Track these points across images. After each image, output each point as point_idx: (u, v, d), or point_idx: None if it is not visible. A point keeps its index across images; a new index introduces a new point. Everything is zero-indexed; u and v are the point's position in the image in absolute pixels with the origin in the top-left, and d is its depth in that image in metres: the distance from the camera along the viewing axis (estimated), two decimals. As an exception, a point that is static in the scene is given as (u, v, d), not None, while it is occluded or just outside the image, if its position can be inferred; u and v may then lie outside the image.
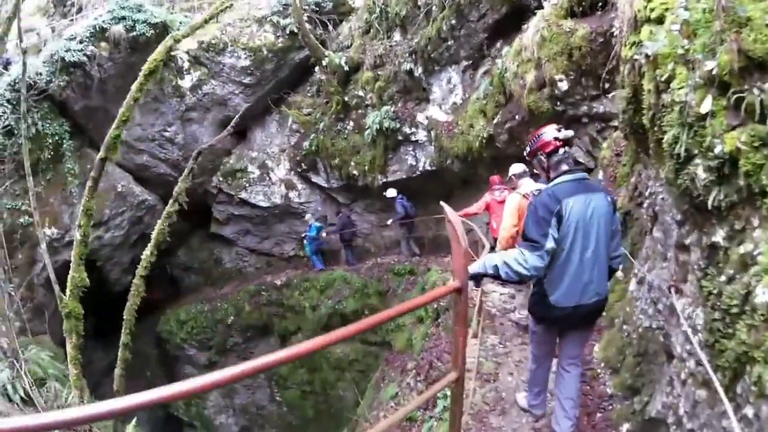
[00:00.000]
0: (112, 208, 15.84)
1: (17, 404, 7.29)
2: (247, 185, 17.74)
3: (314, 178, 17.21)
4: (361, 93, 15.11)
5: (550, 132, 3.93)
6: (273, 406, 17.78)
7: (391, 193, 15.04)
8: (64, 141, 14.82)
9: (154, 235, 6.14)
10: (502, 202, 9.02)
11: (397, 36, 13.73)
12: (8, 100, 13.74)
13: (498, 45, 11.44)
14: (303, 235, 17.55)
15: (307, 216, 17.60)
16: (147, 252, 6.08)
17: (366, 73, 14.64)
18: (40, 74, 14.14)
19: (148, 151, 16.62)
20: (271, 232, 18.39)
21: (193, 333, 17.98)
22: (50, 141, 14.42)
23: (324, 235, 17.62)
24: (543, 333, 4.19)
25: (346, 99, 15.30)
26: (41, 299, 14.68)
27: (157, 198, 17.48)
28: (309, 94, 16.76)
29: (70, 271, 5.62)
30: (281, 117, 17.20)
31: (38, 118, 14.09)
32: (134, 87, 5.89)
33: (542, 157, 3.95)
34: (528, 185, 6.45)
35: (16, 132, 13.63)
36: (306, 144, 16.45)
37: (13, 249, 13.63)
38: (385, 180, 15.30)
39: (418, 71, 13.43)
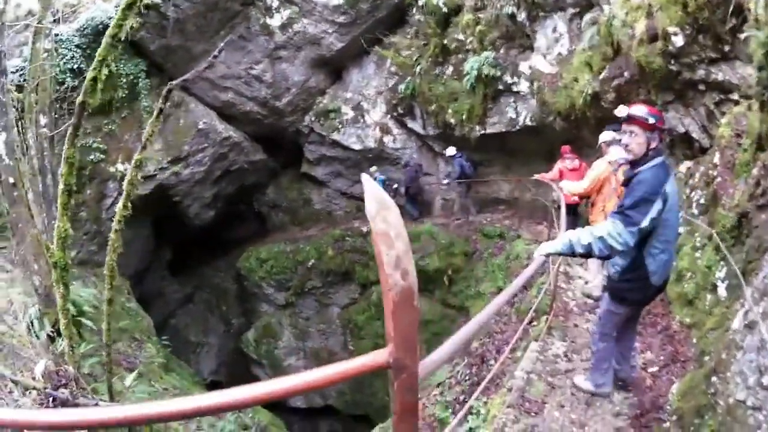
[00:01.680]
0: (192, 145, 16.16)
1: (41, 342, 7.51)
2: (340, 126, 17.61)
3: (410, 124, 16.76)
4: (461, 36, 14.24)
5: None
6: (345, 354, 17.96)
7: (450, 151, 15.28)
8: (140, 80, 15.22)
9: (125, 185, 5.74)
10: (573, 170, 10.13)
11: (499, -24, 12.52)
12: (77, 45, 14.10)
13: (607, -10, 10.01)
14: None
15: (372, 168, 17.54)
16: (120, 205, 5.74)
17: (466, 15, 13.78)
18: (111, 18, 14.21)
19: (233, 88, 16.72)
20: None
21: (272, 272, 18.39)
22: (125, 81, 14.81)
23: (394, 186, 17.49)
24: (625, 313, 4.37)
25: (445, 42, 14.55)
26: (108, 233, 15.14)
27: (243, 135, 17.80)
28: (408, 36, 16.07)
29: (57, 221, 5.37)
30: (379, 58, 16.76)
31: (111, 60, 14.17)
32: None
33: (656, 135, 3.88)
34: (615, 153, 6.60)
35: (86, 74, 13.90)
36: (402, 87, 15.94)
37: (81, 185, 14.25)
38: (483, 132, 14.57)
39: (521, 16, 12.39)
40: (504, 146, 14.55)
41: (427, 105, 15.48)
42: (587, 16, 10.75)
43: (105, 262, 13.60)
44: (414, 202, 17.34)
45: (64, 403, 5.73)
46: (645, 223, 3.64)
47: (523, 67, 13.15)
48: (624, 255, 3.96)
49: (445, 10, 13.98)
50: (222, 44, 9.31)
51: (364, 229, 17.60)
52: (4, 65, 8.20)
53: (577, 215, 9.88)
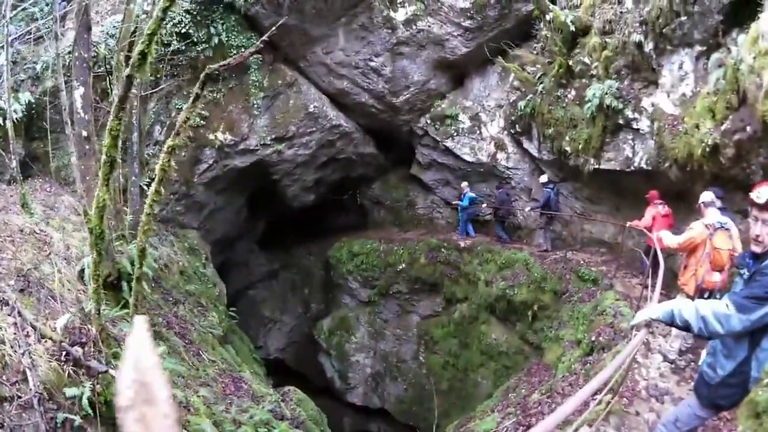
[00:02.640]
0: (299, 126, 16.47)
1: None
2: (455, 134, 17.33)
3: (526, 144, 16.06)
4: (586, 60, 13.32)
5: None
6: (414, 363, 17.81)
7: (543, 178, 15.25)
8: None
9: (157, 170, 5.74)
10: (665, 215, 10.64)
11: (629, 2, 11.40)
12: (187, 11, 14.66)
13: (734, 33, 8.81)
14: (454, 203, 17.93)
15: (463, 184, 17.37)
16: (152, 189, 5.76)
17: (593, 38, 12.79)
18: None
19: (349, 77, 16.83)
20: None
21: (360, 268, 18.60)
22: (234, 52, 15.12)
23: (483, 206, 17.80)
24: (705, 416, 4.13)
25: (570, 63, 13.61)
26: (199, 197, 16.24)
27: (355, 126, 18.01)
28: (534, 51, 15.38)
29: (97, 191, 5.50)
30: (503, 70, 16.17)
31: (222, 29, 14.91)
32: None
33: None
34: (713, 216, 6.82)
35: (195, 39, 14.70)
36: (522, 104, 15.23)
37: (179, 147, 14.76)
38: (597, 167, 13.56)
39: (648, 46, 11.36)
40: (615, 186, 13.46)
41: (545, 127, 14.69)
42: (714, 56, 9.52)
43: (190, 225, 14.19)
44: (502, 225, 17.14)
45: (76, 362, 5.78)
46: (756, 315, 3.28)
47: (646, 103, 12.07)
48: (731, 356, 3.65)
49: (572, 28, 13.08)
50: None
51: (462, 244, 17.21)
52: (88, 21, 8.67)
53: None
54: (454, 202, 18.13)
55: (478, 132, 17.02)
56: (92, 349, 6.02)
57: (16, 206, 10.23)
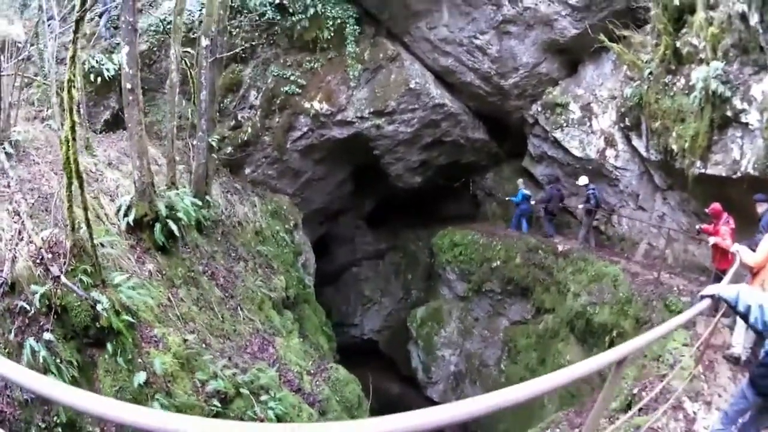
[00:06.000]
0: (399, 102, 15.31)
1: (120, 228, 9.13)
2: (565, 125, 15.04)
3: (635, 141, 13.28)
4: (694, 41, 10.36)
5: None
6: (495, 370, 16.17)
7: (582, 180, 14.47)
8: (348, 25, 14.75)
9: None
10: (733, 230, 9.32)
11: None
12: None
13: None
14: (507, 198, 17.23)
15: (519, 180, 16.86)
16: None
17: (700, 13, 9.74)
18: None
19: (454, 55, 15.31)
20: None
21: (459, 259, 17.16)
22: (332, 23, 14.47)
23: (533, 203, 16.70)
24: (755, 406, 4.00)
25: (677, 45, 10.71)
26: (293, 163, 16.06)
27: (463, 108, 16.49)
28: (647, 35, 12.31)
29: (67, 120, 6.47)
30: (618, 58, 13.41)
31: (318, 1, 14.04)
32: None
33: None
34: None
35: (291, 9, 14.31)
36: (628, 92, 12.58)
37: (271, 112, 14.99)
38: (702, 171, 10.67)
39: (754, 18, 8.44)
40: (721, 196, 10.25)
41: (653, 120, 11.88)
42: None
43: (283, 191, 14.54)
44: (551, 220, 16.12)
45: (47, 268, 6.60)
46: None
47: (756, 90, 9.17)
48: None
49: (677, 2, 10.18)
50: None
51: (560, 248, 14.95)
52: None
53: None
54: (506, 198, 17.57)
55: (588, 124, 14.49)
56: (63, 260, 6.71)
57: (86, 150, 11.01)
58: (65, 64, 12.38)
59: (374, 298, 20.17)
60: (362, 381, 12.62)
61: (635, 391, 7.77)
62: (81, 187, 6.52)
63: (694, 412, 6.61)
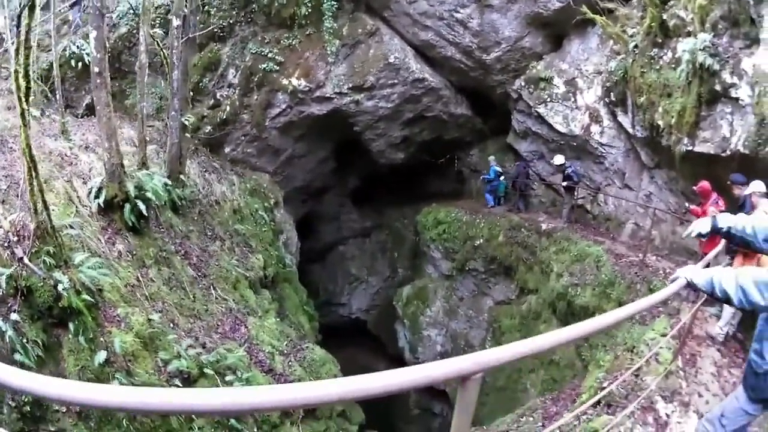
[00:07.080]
0: (378, 77, 14.79)
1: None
2: (549, 100, 14.46)
3: (620, 117, 12.72)
4: (682, 13, 9.73)
5: None
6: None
7: (558, 159, 14.18)
8: (325, 1, 14.11)
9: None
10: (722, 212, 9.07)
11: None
12: None
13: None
14: (481, 177, 17.02)
15: (491, 157, 16.76)
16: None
17: (688, -15, 9.15)
18: None
19: (434, 29, 14.72)
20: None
21: (442, 237, 16.83)
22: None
23: (502, 179, 16.79)
24: (753, 412, 3.71)
25: (664, 18, 10.07)
26: (273, 141, 15.65)
27: (444, 82, 15.95)
28: (634, 8, 11.69)
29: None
30: (604, 32, 12.75)
31: None
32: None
33: None
34: (766, 205, 6.65)
35: None
36: (613, 65, 12.06)
37: (249, 90, 14.54)
38: (689, 148, 10.18)
39: None
40: (709, 175, 9.75)
41: (638, 95, 11.35)
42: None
43: (264, 169, 14.44)
44: (521, 196, 16.41)
45: (13, 250, 6.68)
46: None
47: (746, 64, 8.74)
48: None
49: (662, -28, 9.57)
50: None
51: (544, 226, 14.52)
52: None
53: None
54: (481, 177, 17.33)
55: (572, 99, 13.90)
56: (28, 242, 6.78)
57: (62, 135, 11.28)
58: (48, 52, 12.55)
59: (361, 276, 19.86)
60: (351, 360, 12.41)
61: (605, 384, 7.10)
62: (35, 170, 6.64)
63: (668, 415, 6.02)
